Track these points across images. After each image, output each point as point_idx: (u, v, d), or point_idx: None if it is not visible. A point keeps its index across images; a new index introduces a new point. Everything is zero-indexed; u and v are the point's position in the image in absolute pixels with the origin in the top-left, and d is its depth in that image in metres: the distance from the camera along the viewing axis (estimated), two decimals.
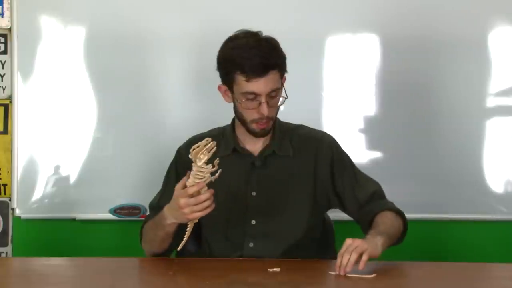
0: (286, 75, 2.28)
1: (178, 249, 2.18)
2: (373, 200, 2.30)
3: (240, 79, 2.18)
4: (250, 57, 2.15)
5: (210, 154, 2.04)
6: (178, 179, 2.31)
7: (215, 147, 2.05)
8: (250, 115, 2.22)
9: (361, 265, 1.99)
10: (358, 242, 2.02)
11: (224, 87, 2.25)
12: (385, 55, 3.04)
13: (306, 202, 2.30)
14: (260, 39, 2.20)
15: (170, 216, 2.15)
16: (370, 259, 2.04)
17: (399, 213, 2.30)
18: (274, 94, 2.20)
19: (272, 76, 2.18)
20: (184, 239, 2.15)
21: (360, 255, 1.99)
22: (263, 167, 2.30)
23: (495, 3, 3.05)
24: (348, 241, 2.03)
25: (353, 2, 3.03)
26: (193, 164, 2.06)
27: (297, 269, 2.12)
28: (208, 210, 2.09)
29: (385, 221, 2.23)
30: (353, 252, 1.99)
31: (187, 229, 2.14)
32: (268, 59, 2.16)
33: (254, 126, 2.24)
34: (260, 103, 2.18)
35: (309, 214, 2.31)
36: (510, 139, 3.07)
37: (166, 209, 2.16)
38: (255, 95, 2.18)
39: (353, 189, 2.31)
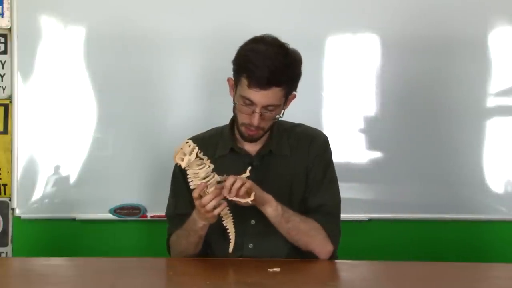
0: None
1: (230, 251, 2.17)
2: (316, 212, 2.28)
3: (244, 82, 2.18)
4: (260, 67, 2.14)
5: (192, 156, 2.05)
6: (186, 184, 2.31)
7: (196, 148, 2.06)
8: (242, 118, 2.24)
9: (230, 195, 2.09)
10: (250, 184, 2.11)
11: (232, 82, 2.27)
12: (385, 55, 3.04)
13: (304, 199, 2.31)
14: (279, 52, 2.17)
15: (200, 219, 2.17)
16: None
17: (330, 237, 2.27)
18: (271, 109, 2.20)
19: (274, 92, 2.17)
20: (232, 241, 2.16)
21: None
22: (261, 167, 2.30)
23: (495, 3, 3.05)
24: (247, 180, 2.12)
25: (353, 2, 3.03)
26: (192, 172, 2.09)
27: (297, 269, 2.12)
28: (218, 211, 2.10)
29: (302, 216, 2.25)
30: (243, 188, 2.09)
31: (228, 231, 2.15)
32: (275, 75, 2.14)
33: (243, 129, 2.26)
34: (253, 112, 2.19)
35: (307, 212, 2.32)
36: (510, 139, 3.07)
37: (194, 212, 2.18)
38: (252, 103, 2.19)
39: (309, 192, 2.31)
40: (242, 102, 2.21)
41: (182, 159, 2.05)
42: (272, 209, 2.18)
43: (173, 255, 2.35)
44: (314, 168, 2.32)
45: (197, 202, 2.11)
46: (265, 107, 2.19)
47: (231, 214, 2.16)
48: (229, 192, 2.08)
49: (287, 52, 2.19)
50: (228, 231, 2.16)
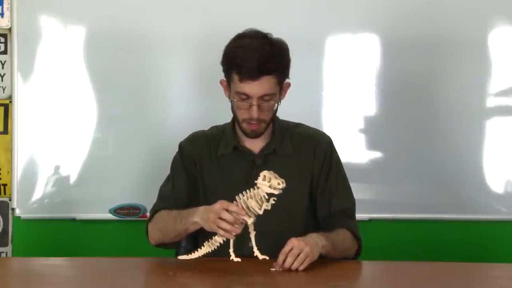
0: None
1: (189, 257, 2.17)
2: (342, 216, 2.33)
3: (235, 78, 2.21)
4: (248, 59, 2.17)
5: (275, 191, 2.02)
6: (186, 172, 2.33)
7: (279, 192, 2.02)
8: (241, 114, 2.25)
9: (301, 268, 2.06)
10: (302, 245, 2.07)
11: (225, 83, 2.29)
12: (385, 55, 3.04)
13: (305, 200, 2.32)
14: (264, 42, 2.20)
15: (199, 215, 2.14)
16: None
17: (357, 238, 2.33)
18: (267, 98, 2.22)
19: (267, 81, 2.19)
20: (200, 251, 2.15)
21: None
22: (264, 166, 2.31)
23: (495, 3, 3.05)
24: (294, 241, 2.07)
25: (353, 2, 3.03)
26: (253, 193, 2.03)
27: (297, 269, 2.11)
28: (222, 233, 2.06)
29: (339, 233, 2.27)
30: (298, 258, 2.05)
31: (212, 239, 2.12)
32: (264, 64, 2.17)
33: (245, 126, 2.27)
34: (251, 105, 2.21)
35: (308, 212, 2.34)
36: (510, 139, 3.07)
37: (203, 207, 2.16)
38: (247, 96, 2.21)
39: (329, 196, 2.33)
40: (238, 98, 2.23)
41: (275, 188, 2.00)
42: (322, 251, 2.16)
43: (151, 228, 2.33)
44: (324, 172, 2.34)
45: (217, 206, 2.06)
46: (261, 98, 2.21)
47: (221, 242, 2.12)
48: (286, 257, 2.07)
49: (272, 41, 2.22)
50: (210, 240, 2.13)
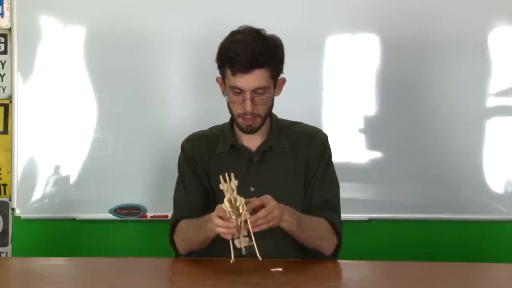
0: (286, 75, 2.29)
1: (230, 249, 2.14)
2: (323, 207, 2.32)
3: (228, 72, 2.23)
4: (240, 53, 2.19)
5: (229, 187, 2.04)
6: (193, 172, 2.35)
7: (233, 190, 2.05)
8: (236, 109, 2.27)
9: (255, 229, 2.05)
10: (275, 208, 2.08)
11: (220, 79, 2.30)
12: (385, 55, 3.04)
13: (302, 196, 2.33)
14: (257, 37, 2.22)
15: (211, 222, 2.14)
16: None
17: (337, 234, 2.31)
18: (261, 92, 2.23)
19: (259, 74, 2.20)
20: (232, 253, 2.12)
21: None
22: (261, 163, 2.32)
23: (495, 3, 3.05)
24: (270, 200, 2.08)
25: (353, 2, 3.03)
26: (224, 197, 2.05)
27: (297, 269, 2.12)
28: (222, 236, 2.08)
29: (313, 218, 2.26)
30: (270, 222, 2.06)
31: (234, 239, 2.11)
32: (256, 57, 2.18)
33: (240, 121, 2.28)
34: (244, 99, 2.23)
35: (305, 208, 2.33)
36: (510, 139, 3.07)
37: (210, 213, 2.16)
38: (241, 90, 2.22)
39: (313, 189, 2.34)
40: (231, 93, 2.24)
41: (232, 190, 2.03)
42: (285, 225, 2.16)
43: (177, 241, 2.33)
44: (315, 164, 2.34)
45: (213, 213, 2.08)
46: (254, 91, 2.22)
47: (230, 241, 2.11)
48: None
49: (265, 36, 2.24)
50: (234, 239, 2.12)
